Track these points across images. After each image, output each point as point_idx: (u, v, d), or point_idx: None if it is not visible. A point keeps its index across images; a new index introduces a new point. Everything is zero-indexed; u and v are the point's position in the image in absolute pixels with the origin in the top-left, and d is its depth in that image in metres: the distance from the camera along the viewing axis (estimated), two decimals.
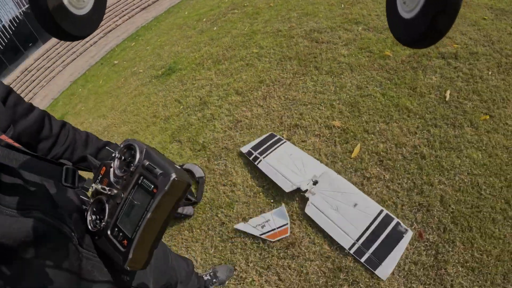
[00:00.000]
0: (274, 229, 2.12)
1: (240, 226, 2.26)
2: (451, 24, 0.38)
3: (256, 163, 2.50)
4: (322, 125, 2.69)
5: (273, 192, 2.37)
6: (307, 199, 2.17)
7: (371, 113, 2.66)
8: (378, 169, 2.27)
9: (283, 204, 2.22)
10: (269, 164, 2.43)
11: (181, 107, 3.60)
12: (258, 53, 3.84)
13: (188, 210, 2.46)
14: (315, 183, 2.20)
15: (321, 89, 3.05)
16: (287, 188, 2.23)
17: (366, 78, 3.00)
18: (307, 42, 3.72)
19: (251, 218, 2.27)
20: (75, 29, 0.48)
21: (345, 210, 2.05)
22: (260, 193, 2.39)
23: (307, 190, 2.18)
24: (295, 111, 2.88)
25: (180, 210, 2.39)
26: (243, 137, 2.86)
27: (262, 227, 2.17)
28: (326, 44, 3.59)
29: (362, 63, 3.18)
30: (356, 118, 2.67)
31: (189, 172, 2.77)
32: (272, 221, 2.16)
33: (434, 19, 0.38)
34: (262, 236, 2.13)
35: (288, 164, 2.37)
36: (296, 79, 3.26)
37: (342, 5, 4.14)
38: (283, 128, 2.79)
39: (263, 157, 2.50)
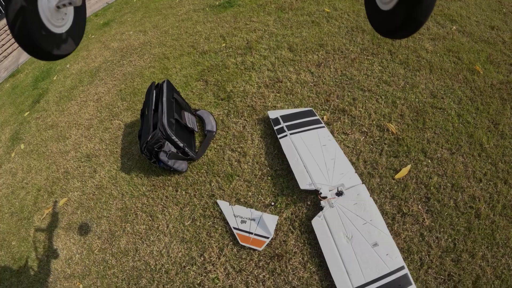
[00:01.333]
0: (251, 233, 1.62)
1: (222, 204, 1.76)
2: (429, 14, 0.38)
3: (279, 136, 1.95)
4: (374, 122, 2.07)
5: (284, 182, 1.83)
6: (321, 208, 1.63)
7: (437, 133, 2.02)
8: (420, 207, 1.69)
9: (277, 217, 1.72)
10: (293, 144, 1.87)
11: (224, 44, 3.02)
12: (329, 14, 3.14)
13: (181, 165, 1.98)
14: (339, 193, 1.64)
15: (388, 79, 2.40)
16: (304, 184, 1.69)
17: (444, 87, 2.31)
18: None
19: (240, 204, 1.76)
20: (56, 48, 0.45)
21: (360, 245, 1.51)
22: (269, 177, 1.87)
23: (325, 197, 1.63)
24: (349, 93, 2.27)
25: (171, 163, 1.91)
26: (277, 101, 2.29)
27: (242, 221, 1.67)
28: None
29: (446, 68, 2.47)
30: (417, 130, 2.03)
31: (201, 120, 2.26)
32: (256, 224, 1.66)
33: (411, 9, 0.38)
34: (234, 232, 1.68)
35: (316, 156, 1.81)
36: (363, 57, 2.60)
37: None
38: (327, 108, 2.20)
39: (290, 133, 1.94)
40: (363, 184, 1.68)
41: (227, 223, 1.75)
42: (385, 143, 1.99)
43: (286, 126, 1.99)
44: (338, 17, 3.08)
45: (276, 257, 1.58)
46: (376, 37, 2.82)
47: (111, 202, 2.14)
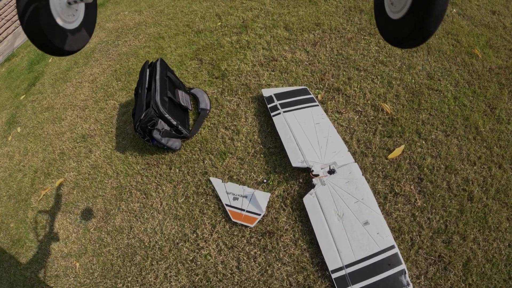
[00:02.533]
0: (243, 210, 1.61)
1: (215, 181, 1.75)
2: (438, 24, 0.38)
3: (272, 114, 1.92)
4: (369, 102, 2.04)
5: (276, 160, 1.81)
6: (313, 186, 1.61)
7: (433, 114, 1.97)
8: (412, 187, 1.66)
9: (269, 194, 1.70)
10: (287, 122, 1.85)
11: (219, 23, 2.96)
12: None
13: (174, 143, 1.96)
14: (331, 172, 1.62)
15: (384, 59, 2.35)
16: (296, 161, 1.67)
17: (442, 69, 2.25)
18: None
19: (233, 181, 1.75)
20: (66, 44, 0.46)
21: (351, 223, 1.49)
22: (261, 155, 1.85)
23: (317, 175, 1.61)
24: (344, 73, 2.22)
25: (164, 141, 1.89)
26: (271, 79, 2.25)
27: (234, 198, 1.66)
28: None
29: (444, 50, 2.40)
30: (412, 111, 1.99)
31: (195, 98, 2.23)
32: (248, 201, 1.64)
33: (421, 19, 0.38)
34: (226, 208, 1.67)
35: (309, 134, 1.78)
36: (359, 36, 2.54)
37: None
38: (322, 86, 2.16)
39: (284, 111, 1.91)
40: (356, 163, 1.65)
41: (220, 200, 1.74)
42: (379, 123, 1.95)
43: (280, 104, 1.96)
44: None
45: (267, 234, 1.57)
46: (373, 16, 2.77)
47: (106, 181, 2.13)
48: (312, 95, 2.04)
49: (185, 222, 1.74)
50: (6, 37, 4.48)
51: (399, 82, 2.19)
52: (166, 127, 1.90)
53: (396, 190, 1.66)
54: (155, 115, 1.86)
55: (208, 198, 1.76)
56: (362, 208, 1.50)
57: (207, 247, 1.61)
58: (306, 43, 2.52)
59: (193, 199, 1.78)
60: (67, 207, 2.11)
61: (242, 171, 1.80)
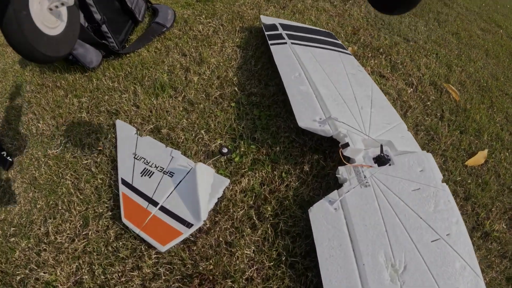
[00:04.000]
0: (155, 202, 0.58)
1: (122, 128, 0.64)
2: None
3: (271, 42, 0.85)
4: (426, 77, 1.04)
5: (260, 117, 0.76)
6: (338, 183, 0.53)
7: (510, 120, 1.07)
8: (505, 226, 0.70)
9: (228, 180, 0.64)
10: (295, 55, 0.77)
11: None
12: None
13: (88, 54, 0.91)
14: (381, 159, 0.55)
15: (438, 40, 1.42)
16: (307, 118, 0.58)
17: (504, 76, 1.36)
18: None
19: (161, 139, 0.64)
20: (52, 50, 0.39)
21: None
22: (232, 103, 0.80)
23: (352, 161, 0.53)
24: (386, 36, 1.26)
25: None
26: (277, 16, 1.20)
27: (144, 172, 0.58)
28: (455, 13, 1.91)
29: (502, 59, 1.60)
30: (485, 108, 1.07)
31: (154, 13, 1.14)
32: (172, 183, 0.60)
33: None
34: (120, 190, 0.61)
35: (339, 82, 0.73)
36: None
37: None
38: (355, 41, 1.12)
39: (293, 43, 0.83)
40: (430, 154, 0.58)
41: (116, 168, 0.62)
42: (445, 108, 0.92)
43: (288, 34, 0.88)
44: None
45: (197, 283, 0.47)
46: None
47: None
48: (340, 42, 0.97)
49: (41, 196, 0.60)
50: None
51: (461, 70, 1.23)
52: (81, 20, 0.80)
53: (486, 228, 0.67)
54: None
55: (98, 160, 0.65)
56: (448, 258, 0.46)
57: (55, 266, 0.48)
58: None
59: (73, 155, 0.67)
60: None
61: (185, 123, 0.69)
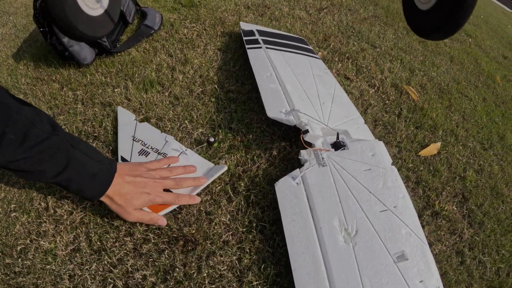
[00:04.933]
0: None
1: (123, 114, 0.77)
2: (468, 16, 0.31)
3: (248, 47, 0.97)
4: (388, 80, 1.18)
5: (236, 110, 0.88)
6: (300, 163, 0.65)
7: (466, 119, 1.20)
8: (455, 208, 0.82)
9: (225, 167, 0.72)
10: (268, 58, 0.89)
11: None
12: None
13: (82, 50, 0.99)
14: (338, 145, 0.68)
15: (404, 48, 1.55)
16: (274, 110, 0.71)
17: (467, 80, 1.51)
18: None
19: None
20: (90, 29, 0.40)
21: (371, 251, 0.59)
22: (212, 98, 0.91)
23: (312, 146, 0.65)
24: (355, 43, 1.38)
25: (67, 41, 0.92)
26: (256, 23, 1.32)
27: (142, 152, 0.67)
28: None
29: (466, 65, 1.74)
30: (443, 108, 1.21)
31: (142, 16, 1.25)
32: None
33: (450, 10, 0.31)
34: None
35: (305, 81, 0.86)
36: (374, 21, 1.74)
37: None
38: (325, 46, 1.25)
39: (267, 47, 0.96)
40: (381, 142, 0.71)
41: (116, 149, 0.72)
42: (403, 107, 1.06)
43: (263, 40, 1.01)
44: None
45: (184, 244, 0.57)
46: (389, 11, 1.96)
47: None
48: (311, 47, 1.10)
49: None
50: None
51: (423, 74, 1.38)
52: None
53: (436, 208, 0.79)
54: None
55: (95, 145, 0.75)
56: (394, 225, 0.56)
57: (54, 235, 0.57)
58: (310, 6, 1.64)
59: None
60: None
61: (171, 114, 0.81)
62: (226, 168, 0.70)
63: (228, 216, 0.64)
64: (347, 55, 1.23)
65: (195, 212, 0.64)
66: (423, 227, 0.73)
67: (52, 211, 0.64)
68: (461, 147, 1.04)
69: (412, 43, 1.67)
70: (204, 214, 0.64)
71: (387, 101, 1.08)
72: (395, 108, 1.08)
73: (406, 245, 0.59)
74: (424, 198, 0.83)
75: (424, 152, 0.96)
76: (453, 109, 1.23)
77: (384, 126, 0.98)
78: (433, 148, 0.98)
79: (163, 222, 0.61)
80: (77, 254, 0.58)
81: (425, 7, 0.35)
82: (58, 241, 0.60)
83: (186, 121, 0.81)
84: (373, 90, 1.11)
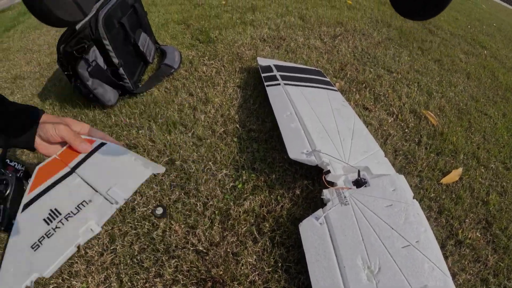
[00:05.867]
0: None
1: None
2: None
3: (267, 84, 1.01)
4: (406, 106, 1.21)
5: (258, 150, 0.93)
6: (323, 203, 0.67)
7: (487, 139, 1.19)
8: (479, 235, 0.82)
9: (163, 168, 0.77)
10: (287, 94, 0.93)
11: (224, 2, 2.12)
12: (351, 5, 2.30)
13: (106, 93, 1.08)
14: (359, 182, 0.70)
15: (420, 69, 1.56)
16: (296, 151, 0.75)
17: (485, 97, 1.49)
18: (418, 26, 2.18)
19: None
20: (67, 14, 0.36)
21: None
22: (235, 138, 0.96)
23: (334, 184, 0.67)
24: (371, 70, 1.44)
25: (92, 84, 1.00)
26: (273, 56, 1.39)
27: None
28: (439, 39, 2.06)
29: (483, 80, 1.73)
30: (463, 130, 1.21)
31: (162, 55, 1.33)
32: None
33: None
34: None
35: (324, 117, 0.89)
36: (388, 43, 1.76)
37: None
38: (342, 76, 1.29)
39: (285, 83, 1.00)
40: (402, 175, 0.72)
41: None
42: (423, 133, 1.07)
43: (281, 76, 1.05)
44: (361, 9, 2.25)
45: (210, 286, 0.60)
46: (403, 32, 1.98)
47: None
48: (328, 79, 1.14)
49: None
50: None
51: (441, 95, 1.39)
52: (101, 63, 0.97)
53: (459, 236, 0.80)
54: (90, 36, 0.94)
55: None
56: (417, 260, 0.58)
57: (86, 275, 0.63)
58: (324, 34, 1.69)
59: None
60: None
61: (195, 155, 0.85)
62: (163, 170, 0.60)
63: (254, 256, 0.67)
64: (364, 84, 1.26)
65: (222, 253, 0.67)
66: (446, 257, 0.73)
67: (83, 252, 0.69)
68: (483, 170, 1.03)
69: (427, 63, 1.68)
70: (231, 255, 0.67)
71: (406, 129, 1.09)
72: (415, 135, 1.09)
73: (429, 279, 0.60)
74: (447, 227, 0.83)
75: (446, 180, 0.96)
76: (473, 130, 1.22)
77: (405, 155, 0.99)
78: (455, 175, 0.98)
79: (85, 148, 0.56)
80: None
81: None
82: (89, 281, 0.65)
83: (210, 163, 0.85)
84: (392, 118, 1.12)
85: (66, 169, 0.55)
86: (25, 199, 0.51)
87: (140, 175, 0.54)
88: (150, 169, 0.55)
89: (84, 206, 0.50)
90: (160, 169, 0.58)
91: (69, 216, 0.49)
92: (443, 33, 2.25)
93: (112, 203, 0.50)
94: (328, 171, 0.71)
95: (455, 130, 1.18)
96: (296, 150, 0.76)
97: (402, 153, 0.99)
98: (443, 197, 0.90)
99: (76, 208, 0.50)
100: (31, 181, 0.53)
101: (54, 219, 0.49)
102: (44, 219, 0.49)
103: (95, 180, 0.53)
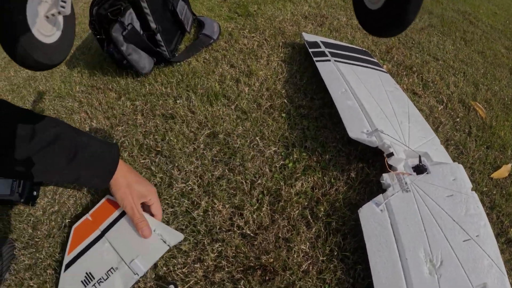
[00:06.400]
0: None
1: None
2: (417, 12, 0.31)
3: (316, 59, 0.96)
4: (455, 95, 1.13)
5: (309, 128, 0.88)
6: (382, 188, 0.63)
7: None
8: None
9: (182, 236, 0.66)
10: (340, 71, 0.88)
11: None
12: None
13: (142, 60, 1.02)
14: (420, 168, 0.65)
15: (465, 59, 1.48)
16: (356, 130, 0.70)
17: None
18: (458, 16, 2.09)
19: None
20: (46, 57, 0.38)
21: (456, 283, 0.56)
22: (283, 114, 0.91)
23: (395, 169, 0.63)
24: (417, 55, 1.35)
25: (126, 50, 0.96)
26: (316, 34, 1.31)
27: None
28: (481, 31, 1.97)
29: None
30: (510, 126, 1.12)
31: (199, 25, 1.27)
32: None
33: (399, 8, 0.31)
34: None
35: (379, 98, 0.83)
36: (431, 30, 1.69)
37: None
38: (388, 59, 1.23)
39: (335, 60, 0.94)
40: (461, 165, 0.68)
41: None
42: (472, 125, 1.01)
43: (330, 52, 0.99)
44: None
45: (259, 274, 0.57)
46: (445, 20, 1.90)
47: (29, 99, 1.13)
48: (375, 60, 1.08)
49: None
50: None
51: (487, 88, 1.31)
52: (137, 27, 0.92)
53: (510, 235, 0.76)
54: None
55: (158, 160, 0.77)
56: (477, 256, 0.56)
57: None
58: None
59: (130, 154, 0.80)
60: None
61: (240, 129, 0.81)
62: (182, 237, 0.65)
63: (308, 243, 0.64)
64: (412, 68, 1.20)
65: (272, 238, 0.64)
66: None
67: None
68: None
69: (471, 54, 1.60)
70: (282, 240, 0.64)
71: (456, 119, 1.04)
72: (465, 126, 1.04)
73: (488, 277, 0.57)
74: (498, 224, 0.79)
75: (496, 175, 0.92)
76: None
77: (456, 146, 0.94)
78: (504, 171, 0.94)
79: (147, 232, 0.62)
80: (140, 280, 0.60)
81: (374, 7, 0.35)
82: None
83: (257, 138, 0.82)
84: (442, 106, 1.07)
85: (97, 232, 0.65)
86: (66, 260, 0.63)
87: (159, 248, 0.63)
88: (168, 242, 0.63)
89: (112, 274, 0.61)
90: (179, 237, 0.64)
91: (100, 282, 0.60)
92: (483, 25, 2.16)
93: (134, 274, 0.59)
94: (391, 154, 0.67)
95: (502, 124, 1.13)
96: (356, 129, 0.72)
97: (454, 143, 0.94)
98: (494, 192, 0.86)
99: (106, 274, 0.61)
100: (69, 241, 0.65)
101: (89, 282, 0.60)
102: (82, 281, 0.61)
103: (121, 247, 0.63)
